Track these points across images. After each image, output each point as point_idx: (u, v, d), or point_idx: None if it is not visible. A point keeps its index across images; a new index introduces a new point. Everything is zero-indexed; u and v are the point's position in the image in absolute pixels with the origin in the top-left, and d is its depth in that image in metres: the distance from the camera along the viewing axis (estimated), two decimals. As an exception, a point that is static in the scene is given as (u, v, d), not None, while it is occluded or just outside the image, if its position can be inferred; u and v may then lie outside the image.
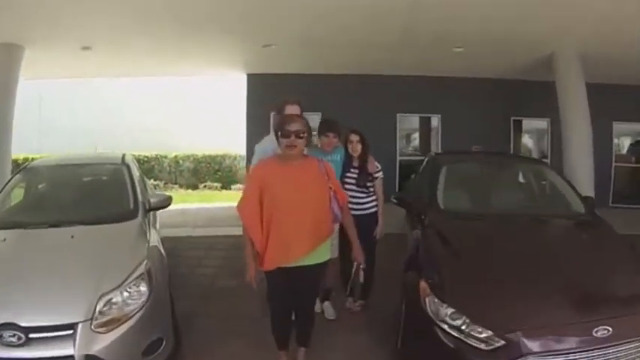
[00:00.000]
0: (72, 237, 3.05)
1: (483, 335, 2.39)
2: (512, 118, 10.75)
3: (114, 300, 2.53)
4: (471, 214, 3.75)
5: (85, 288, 2.53)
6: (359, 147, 3.92)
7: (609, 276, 2.78)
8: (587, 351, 2.31)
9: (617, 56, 7.64)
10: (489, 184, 4.41)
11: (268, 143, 3.38)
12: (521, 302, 2.50)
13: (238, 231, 7.50)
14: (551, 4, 5.66)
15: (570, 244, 3.35)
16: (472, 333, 2.42)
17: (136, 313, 2.55)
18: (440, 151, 10.37)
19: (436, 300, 2.60)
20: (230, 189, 12.90)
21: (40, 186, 4.22)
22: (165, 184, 12.69)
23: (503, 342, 2.34)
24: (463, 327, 2.45)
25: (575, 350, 2.31)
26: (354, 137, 3.93)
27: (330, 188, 2.70)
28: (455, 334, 2.46)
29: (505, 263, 2.88)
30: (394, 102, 10.37)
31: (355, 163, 3.96)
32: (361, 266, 2.89)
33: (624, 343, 2.34)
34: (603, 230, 3.57)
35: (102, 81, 12.39)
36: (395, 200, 4.36)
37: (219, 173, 13.30)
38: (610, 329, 2.31)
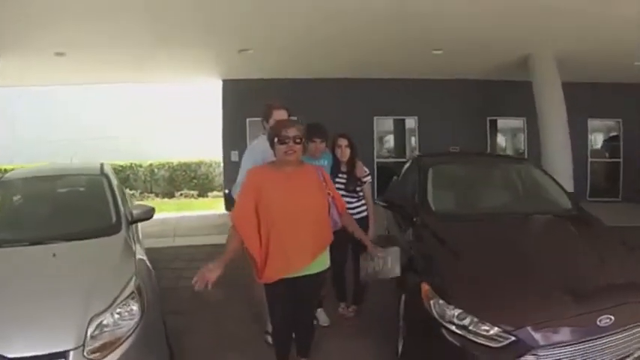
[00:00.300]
0: (53, 255, 2.83)
1: (492, 333, 2.41)
2: (488, 118, 10.98)
3: (105, 322, 2.35)
4: (463, 215, 3.76)
5: (74, 311, 2.33)
6: (348, 151, 3.87)
7: (605, 267, 2.85)
8: (592, 340, 2.39)
9: (591, 56, 7.93)
10: (477, 185, 4.42)
11: (258, 153, 3.26)
12: (525, 298, 2.54)
13: (220, 240, 7.33)
14: (527, 8, 5.80)
15: (564, 239, 3.39)
16: (480, 332, 2.43)
17: (129, 336, 2.38)
18: (418, 152, 10.50)
19: (441, 301, 2.58)
20: (207, 196, 12.71)
21: (15, 200, 3.93)
22: (141, 193, 12.37)
23: (512, 338, 2.38)
24: (471, 327, 2.45)
25: (582, 340, 2.38)
26: (343, 141, 3.87)
27: (329, 194, 2.64)
28: (462, 334, 2.47)
29: (504, 261, 2.88)
30: (371, 105, 10.43)
31: (343, 168, 3.89)
32: (380, 254, 2.86)
33: (626, 329, 2.44)
34: (592, 224, 3.66)
35: (73, 89, 11.93)
36: (383, 203, 4.34)
37: (195, 181, 13.06)
38: (612, 318, 2.39)
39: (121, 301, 2.46)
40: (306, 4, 5.74)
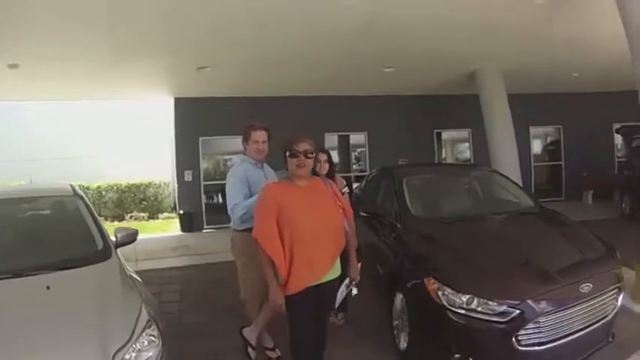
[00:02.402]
0: (47, 288, 2.53)
1: (499, 310, 2.80)
2: (435, 131, 11.63)
3: (127, 357, 2.21)
4: (443, 218, 4.08)
5: (93, 351, 2.15)
6: (327, 166, 4.00)
7: (576, 247, 3.42)
8: (578, 304, 2.91)
9: (533, 69, 8.77)
10: (449, 191, 4.80)
11: (241, 174, 3.29)
12: (521, 278, 2.99)
13: (186, 262, 7.10)
14: (475, 28, 6.32)
15: (537, 230, 3.92)
16: (488, 311, 2.81)
17: None
18: (368, 166, 10.88)
19: (449, 291, 2.91)
20: (157, 218, 12.25)
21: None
22: (90, 215, 11.58)
23: (517, 311, 2.78)
24: (479, 308, 2.82)
25: (570, 305, 2.88)
26: (322, 156, 3.98)
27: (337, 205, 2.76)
28: (473, 315, 2.82)
29: (493, 251, 3.32)
30: (321, 122, 10.57)
31: None
32: (354, 282, 2.90)
33: (601, 293, 3.02)
34: (555, 216, 4.22)
35: (8, 104, 10.88)
36: (364, 213, 4.51)
37: (145, 202, 12.52)
38: (591, 285, 2.94)
39: (140, 332, 2.33)
40: (263, 26, 5.84)
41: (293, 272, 2.54)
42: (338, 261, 2.77)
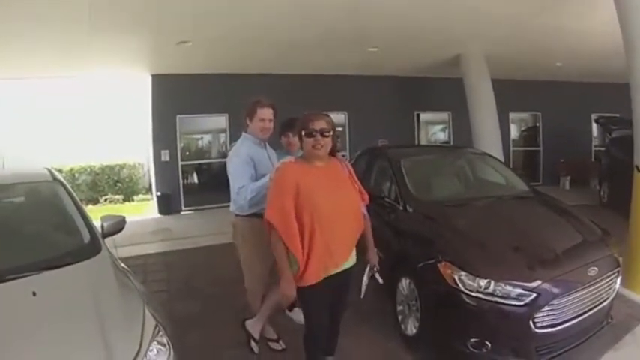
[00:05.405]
0: (34, 294, 2.18)
1: (515, 293, 2.79)
2: (415, 112, 11.57)
3: None
4: (445, 201, 4.00)
5: None
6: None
7: (579, 231, 3.47)
8: (585, 287, 2.96)
9: (518, 56, 8.77)
10: (446, 174, 4.75)
11: (245, 154, 3.10)
12: (536, 261, 2.96)
13: (169, 246, 6.86)
14: (461, 12, 6.19)
15: (540, 214, 3.91)
16: (506, 295, 2.80)
17: None
18: (348, 146, 10.72)
19: (465, 274, 2.87)
20: (133, 201, 11.81)
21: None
22: (63, 200, 11.02)
23: (534, 294, 2.79)
24: (497, 291, 2.80)
25: (579, 288, 2.93)
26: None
27: (356, 188, 2.64)
28: (490, 299, 2.81)
29: (502, 234, 3.32)
30: (302, 100, 10.27)
31: None
32: (375, 269, 2.75)
33: (605, 276, 3.09)
34: (552, 201, 4.23)
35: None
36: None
37: (119, 185, 12.00)
38: (597, 269, 3.00)
39: (149, 342, 2.10)
40: (246, 1, 5.57)
41: (312, 260, 2.38)
42: (354, 249, 2.64)
